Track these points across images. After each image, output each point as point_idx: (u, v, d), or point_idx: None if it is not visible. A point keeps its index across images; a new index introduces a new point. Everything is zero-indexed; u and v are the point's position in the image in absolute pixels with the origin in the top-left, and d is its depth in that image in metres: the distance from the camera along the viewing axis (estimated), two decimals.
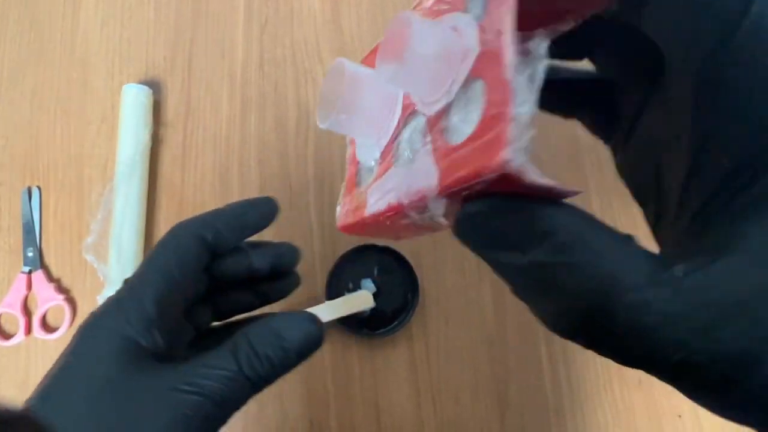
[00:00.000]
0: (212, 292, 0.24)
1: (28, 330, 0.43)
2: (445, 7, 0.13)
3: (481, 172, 0.10)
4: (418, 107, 0.13)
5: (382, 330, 0.40)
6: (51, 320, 0.43)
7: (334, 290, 0.41)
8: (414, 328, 0.42)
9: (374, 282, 0.41)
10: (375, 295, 0.39)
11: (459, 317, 0.43)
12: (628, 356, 0.10)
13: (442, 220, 0.12)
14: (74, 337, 0.20)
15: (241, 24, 0.52)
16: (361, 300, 0.38)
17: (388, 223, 0.14)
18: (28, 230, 0.45)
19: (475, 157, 0.10)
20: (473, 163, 0.10)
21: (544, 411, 0.41)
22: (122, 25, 0.51)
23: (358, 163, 0.17)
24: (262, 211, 0.24)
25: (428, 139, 0.12)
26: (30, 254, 0.44)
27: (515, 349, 0.42)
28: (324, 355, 0.42)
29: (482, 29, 0.11)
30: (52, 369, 0.19)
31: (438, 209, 0.11)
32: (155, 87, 0.49)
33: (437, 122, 0.12)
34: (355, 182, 0.17)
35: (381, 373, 0.42)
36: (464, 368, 0.42)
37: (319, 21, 0.52)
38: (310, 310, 0.26)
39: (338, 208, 0.18)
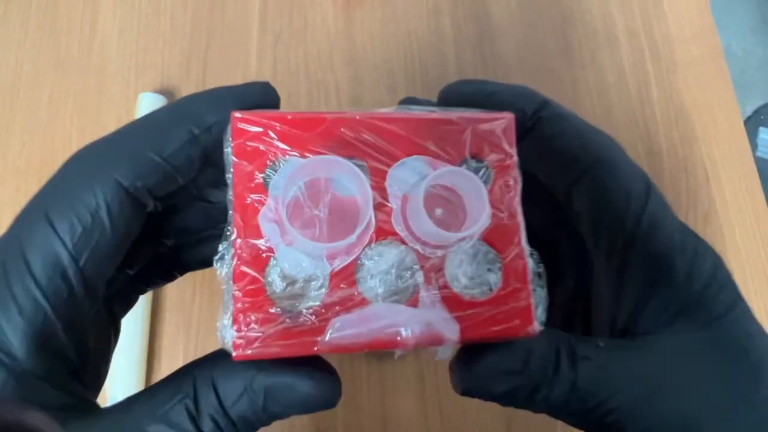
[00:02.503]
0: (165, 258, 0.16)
1: None
2: (443, 155, 0.13)
3: (511, 335, 0.13)
4: (417, 248, 0.13)
5: None
6: None
7: None
8: None
9: None
10: None
11: None
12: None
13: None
14: None
15: (256, 34, 0.52)
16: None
17: (352, 352, 0.13)
18: None
19: (502, 321, 0.13)
20: (502, 326, 0.13)
21: (551, 422, 0.41)
22: (139, 34, 0.52)
23: (269, 251, 0.12)
24: (258, 102, 0.14)
25: (429, 283, 0.13)
26: None
27: None
28: (331, 364, 0.42)
29: (492, 203, 0.13)
30: None
31: (447, 352, 0.13)
32: (170, 95, 0.49)
33: (429, 265, 0.13)
34: (264, 291, 0.12)
35: (388, 382, 0.42)
36: None
37: (333, 32, 0.53)
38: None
39: (228, 330, 0.12)
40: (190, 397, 0.12)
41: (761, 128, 1.31)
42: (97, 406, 0.14)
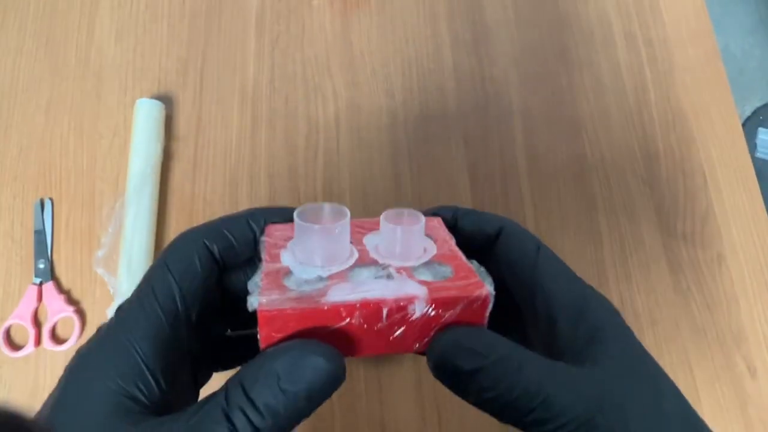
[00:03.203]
0: (226, 306, 0.21)
1: (38, 341, 0.43)
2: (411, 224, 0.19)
3: (469, 295, 0.17)
4: (391, 262, 0.19)
5: None
6: (61, 332, 0.44)
7: None
8: None
9: None
10: None
11: None
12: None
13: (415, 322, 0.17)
14: (60, 380, 0.17)
15: (253, 40, 0.52)
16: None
17: (351, 323, 0.16)
18: (40, 242, 0.45)
19: (461, 286, 0.17)
20: (462, 290, 0.17)
21: None
22: (136, 40, 0.52)
23: (287, 269, 0.18)
24: (281, 218, 0.21)
25: (402, 274, 0.18)
26: (41, 266, 0.44)
27: None
28: None
29: (437, 245, 0.20)
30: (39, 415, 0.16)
31: (419, 311, 0.16)
32: (167, 101, 0.49)
33: (400, 267, 0.18)
34: (281, 280, 0.17)
35: (386, 389, 0.42)
36: None
37: (330, 37, 0.53)
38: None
39: (257, 297, 0.16)
40: (222, 396, 0.15)
41: (760, 129, 1.31)
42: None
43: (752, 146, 1.29)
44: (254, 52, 0.52)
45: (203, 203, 0.47)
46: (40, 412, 0.16)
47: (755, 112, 1.34)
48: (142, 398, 0.16)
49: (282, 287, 0.17)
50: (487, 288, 0.17)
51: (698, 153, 0.51)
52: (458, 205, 0.22)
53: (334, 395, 0.42)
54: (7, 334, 0.43)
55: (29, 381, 0.42)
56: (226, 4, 0.53)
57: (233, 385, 0.15)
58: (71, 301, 0.44)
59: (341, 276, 0.17)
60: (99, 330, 0.17)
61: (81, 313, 0.44)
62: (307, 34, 0.53)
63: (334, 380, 0.16)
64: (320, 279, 0.17)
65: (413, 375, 0.42)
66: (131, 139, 0.46)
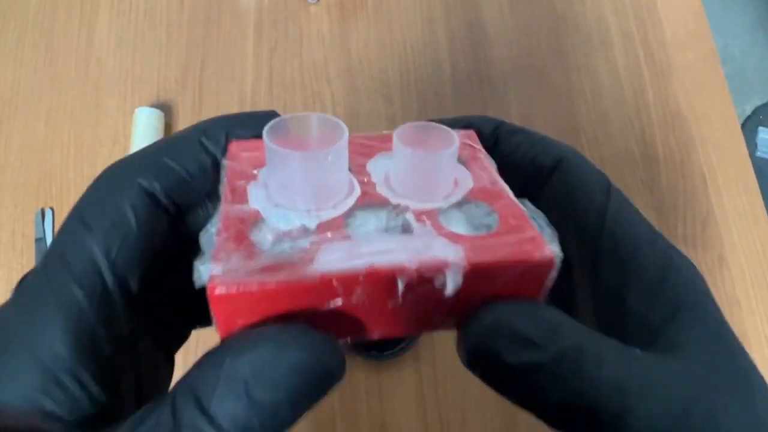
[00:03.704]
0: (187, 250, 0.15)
1: None
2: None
3: (526, 260, 0.12)
4: (408, 203, 0.13)
5: (389, 352, 0.40)
6: None
7: None
8: (421, 350, 0.42)
9: None
10: None
11: None
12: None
13: (447, 292, 0.12)
14: None
15: (251, 47, 0.53)
16: None
17: (350, 299, 0.11)
18: (41, 251, 0.45)
19: (515, 248, 0.12)
20: (516, 251, 0.12)
21: None
22: (135, 48, 0.52)
23: (257, 214, 0.12)
24: (251, 131, 0.15)
25: (425, 222, 0.12)
26: None
27: None
28: None
29: (472, 174, 0.14)
30: None
31: (452, 284, 0.11)
32: (166, 109, 0.49)
33: (420, 210, 0.13)
34: (246, 233, 0.12)
35: (388, 393, 0.42)
36: (471, 389, 0.41)
37: (328, 43, 0.53)
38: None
39: (208, 264, 0.11)
40: (168, 411, 0.10)
41: (760, 128, 1.31)
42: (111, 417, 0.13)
43: (752, 145, 1.29)
44: (252, 59, 0.52)
45: None
46: None
47: (755, 112, 1.34)
48: (64, 414, 0.11)
49: (249, 246, 0.11)
50: (551, 248, 0.12)
51: (698, 155, 0.51)
52: (500, 118, 0.16)
53: (335, 399, 0.42)
54: None
55: None
56: (224, 12, 0.54)
57: (183, 395, 0.10)
58: None
59: (336, 226, 0.12)
60: None
61: None
62: (305, 41, 0.53)
63: (326, 379, 0.12)
64: (305, 231, 0.12)
65: (415, 378, 0.42)
66: (131, 148, 0.47)
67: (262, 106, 0.51)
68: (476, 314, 0.12)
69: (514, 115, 0.51)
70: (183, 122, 0.50)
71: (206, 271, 0.11)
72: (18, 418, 0.11)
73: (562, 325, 0.12)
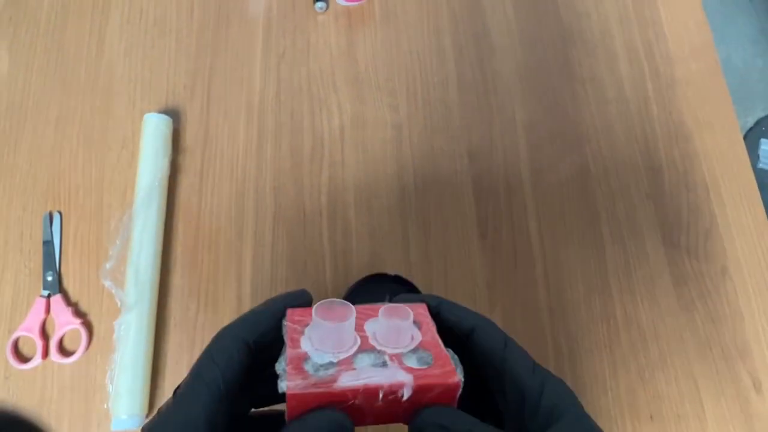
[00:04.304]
0: (254, 376, 0.26)
1: (45, 353, 0.43)
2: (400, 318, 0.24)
3: (443, 381, 0.21)
4: (386, 350, 0.23)
5: None
6: (68, 344, 0.44)
7: None
8: None
9: None
10: None
11: None
12: None
13: (403, 397, 0.22)
14: None
15: (259, 55, 0.53)
16: None
17: (355, 401, 0.21)
18: (48, 254, 0.46)
19: (438, 375, 0.22)
20: (439, 377, 0.22)
21: None
22: (144, 55, 0.53)
23: (306, 354, 0.23)
24: (300, 303, 0.26)
25: (394, 361, 0.22)
26: (49, 278, 0.45)
27: None
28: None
29: (421, 332, 0.25)
30: None
31: (407, 394, 0.21)
32: (174, 115, 0.50)
33: (392, 354, 0.23)
34: (302, 365, 0.22)
35: None
36: None
37: (335, 52, 0.54)
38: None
39: (285, 382, 0.21)
40: None
41: (762, 140, 1.31)
42: None
43: (755, 157, 1.29)
44: (261, 67, 0.53)
45: (209, 215, 0.48)
46: None
47: (758, 123, 1.35)
48: None
49: (303, 372, 0.21)
50: (458, 377, 0.22)
51: (701, 167, 0.51)
52: (441, 298, 0.27)
53: None
54: (15, 346, 0.44)
55: (36, 393, 0.43)
56: (233, 20, 0.54)
57: None
58: (78, 313, 0.44)
59: (348, 362, 0.22)
60: (159, 410, 0.22)
61: (88, 326, 0.44)
62: (313, 49, 0.53)
63: (344, 427, 0.21)
64: (331, 364, 0.22)
65: None
66: (139, 153, 0.47)
67: (269, 114, 0.51)
68: (417, 412, 0.21)
69: (519, 125, 0.52)
70: (191, 128, 0.50)
71: (284, 385, 0.21)
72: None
73: (460, 418, 0.21)
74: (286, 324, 0.24)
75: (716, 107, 0.53)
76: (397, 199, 0.49)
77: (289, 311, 0.25)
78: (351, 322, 0.24)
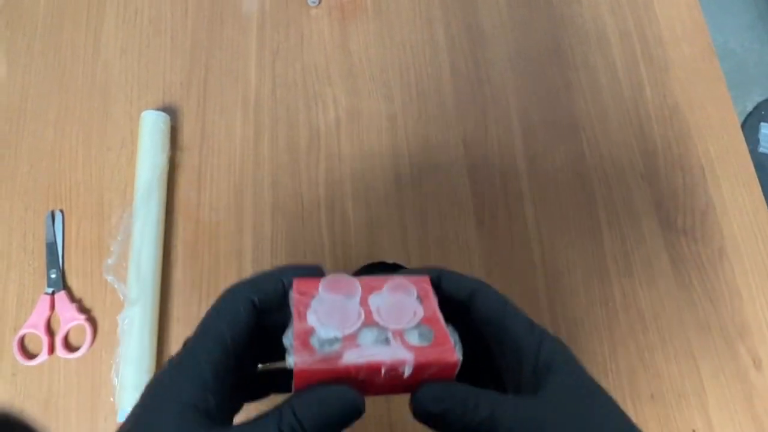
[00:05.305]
0: (258, 339, 0.26)
1: (51, 349, 0.44)
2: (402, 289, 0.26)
3: (443, 359, 0.22)
4: (388, 326, 0.24)
5: None
6: (73, 339, 0.45)
7: None
8: None
9: None
10: None
11: None
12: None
13: (406, 372, 0.22)
14: (138, 401, 0.22)
15: (254, 50, 0.54)
16: None
17: (359, 376, 0.22)
18: (52, 252, 0.46)
19: (438, 353, 0.23)
20: (439, 355, 0.22)
21: None
22: (140, 54, 0.53)
23: (312, 329, 0.23)
24: (310, 273, 0.26)
25: (396, 338, 0.23)
26: (53, 276, 0.46)
27: None
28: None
29: (424, 307, 0.25)
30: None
31: (407, 371, 0.22)
32: (172, 112, 0.50)
33: (395, 330, 0.24)
34: (308, 340, 0.23)
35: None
36: None
37: (329, 46, 0.54)
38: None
39: (293, 357, 0.22)
40: (277, 415, 0.20)
41: (762, 124, 1.31)
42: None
43: (755, 141, 1.29)
44: (255, 62, 0.53)
45: (208, 209, 0.48)
46: (125, 422, 0.21)
47: (757, 108, 1.34)
48: (207, 411, 0.21)
49: (309, 348, 0.22)
50: (456, 355, 0.23)
51: (696, 148, 0.52)
52: (443, 269, 0.27)
53: None
54: (22, 342, 0.44)
55: (43, 388, 0.43)
56: (227, 16, 0.55)
57: (286, 409, 0.20)
58: (83, 309, 0.45)
59: (352, 338, 0.23)
60: (170, 359, 0.23)
61: (92, 321, 0.45)
62: (307, 43, 0.54)
63: (354, 408, 0.21)
64: (336, 339, 0.23)
65: None
66: (138, 150, 0.48)
67: (265, 109, 0.51)
68: (418, 388, 0.22)
69: (513, 112, 0.52)
70: (188, 124, 0.51)
71: (292, 360, 0.21)
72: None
73: (458, 390, 0.22)
74: (293, 294, 0.25)
75: (710, 88, 0.54)
76: (394, 189, 0.49)
77: (296, 281, 0.25)
78: (356, 300, 0.24)
